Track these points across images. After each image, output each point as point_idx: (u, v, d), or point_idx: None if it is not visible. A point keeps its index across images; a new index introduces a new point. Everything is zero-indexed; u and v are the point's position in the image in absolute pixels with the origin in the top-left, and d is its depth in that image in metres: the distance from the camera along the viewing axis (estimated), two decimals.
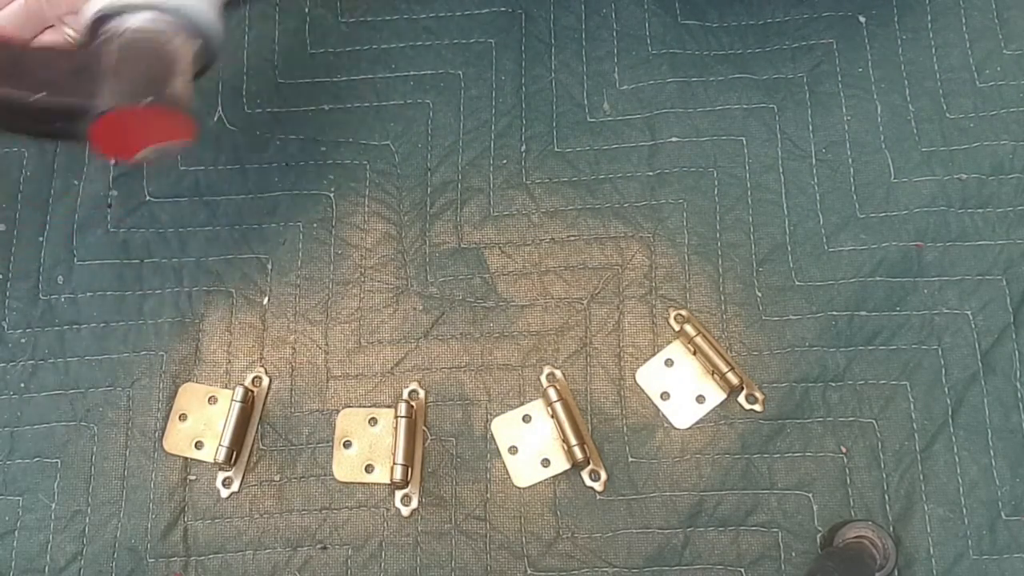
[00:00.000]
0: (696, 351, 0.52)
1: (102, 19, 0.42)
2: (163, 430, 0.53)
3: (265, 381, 0.53)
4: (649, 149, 0.56)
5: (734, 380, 0.50)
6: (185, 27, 0.43)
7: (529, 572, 0.50)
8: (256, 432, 0.52)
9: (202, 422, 0.53)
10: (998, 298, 0.52)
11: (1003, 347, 0.52)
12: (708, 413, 0.52)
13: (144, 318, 0.55)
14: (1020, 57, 0.57)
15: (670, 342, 0.53)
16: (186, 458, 0.52)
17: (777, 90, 0.57)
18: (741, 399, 0.52)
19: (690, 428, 0.51)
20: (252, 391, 0.53)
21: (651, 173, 0.56)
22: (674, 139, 0.57)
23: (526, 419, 0.52)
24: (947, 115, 0.56)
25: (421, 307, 0.54)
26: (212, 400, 0.53)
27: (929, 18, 0.58)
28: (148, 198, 0.57)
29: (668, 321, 0.53)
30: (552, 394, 0.51)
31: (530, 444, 0.52)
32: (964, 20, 0.58)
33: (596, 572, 0.50)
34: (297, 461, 0.52)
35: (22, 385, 0.54)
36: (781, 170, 0.56)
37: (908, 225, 0.54)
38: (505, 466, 0.51)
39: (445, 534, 0.51)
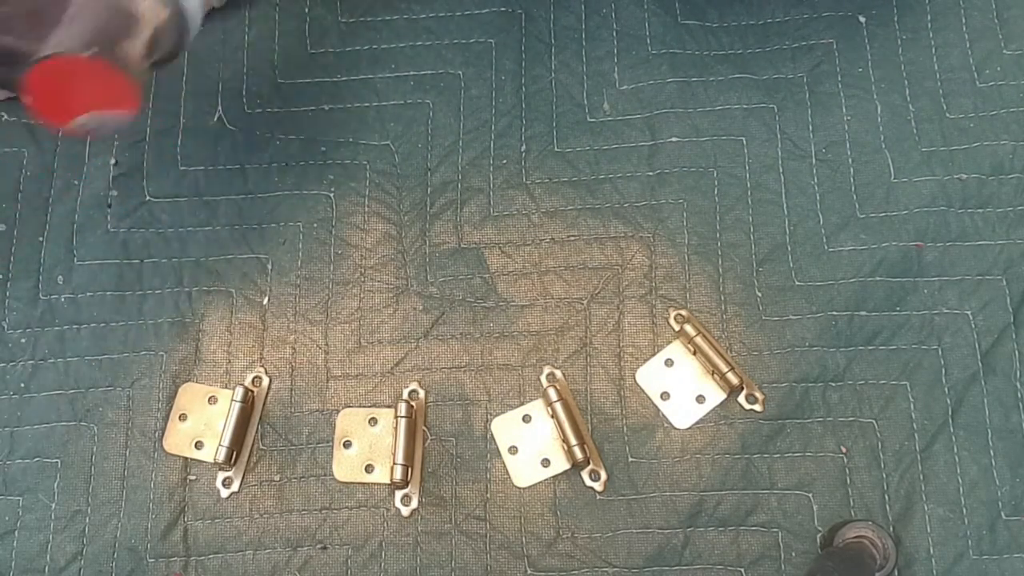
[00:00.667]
0: (696, 351, 0.52)
1: None
2: (163, 430, 0.53)
3: (265, 381, 0.53)
4: (649, 149, 0.56)
5: (734, 380, 0.50)
6: None
7: (529, 572, 0.50)
8: (256, 432, 0.52)
9: (202, 422, 0.53)
10: (998, 298, 0.52)
11: (1003, 347, 0.52)
12: (708, 413, 0.52)
13: (144, 318, 0.55)
14: (1020, 57, 0.57)
15: (670, 342, 0.53)
16: (186, 458, 0.52)
17: (777, 90, 0.57)
18: (741, 399, 0.52)
19: (690, 428, 0.51)
20: (252, 391, 0.53)
21: (651, 173, 0.56)
22: (674, 139, 0.57)
23: (526, 419, 0.52)
24: (947, 115, 0.56)
25: (421, 307, 0.54)
26: (212, 400, 0.53)
27: (929, 18, 0.58)
28: (148, 198, 0.57)
29: (668, 321, 0.53)
30: (552, 394, 0.51)
31: (530, 444, 0.52)
32: (964, 20, 0.58)
33: (596, 572, 0.50)
34: (297, 461, 0.52)
35: (22, 385, 0.54)
36: (781, 170, 0.56)
37: (908, 225, 0.54)
38: (505, 466, 0.52)
39: (445, 534, 0.51)
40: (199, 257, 0.56)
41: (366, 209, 0.56)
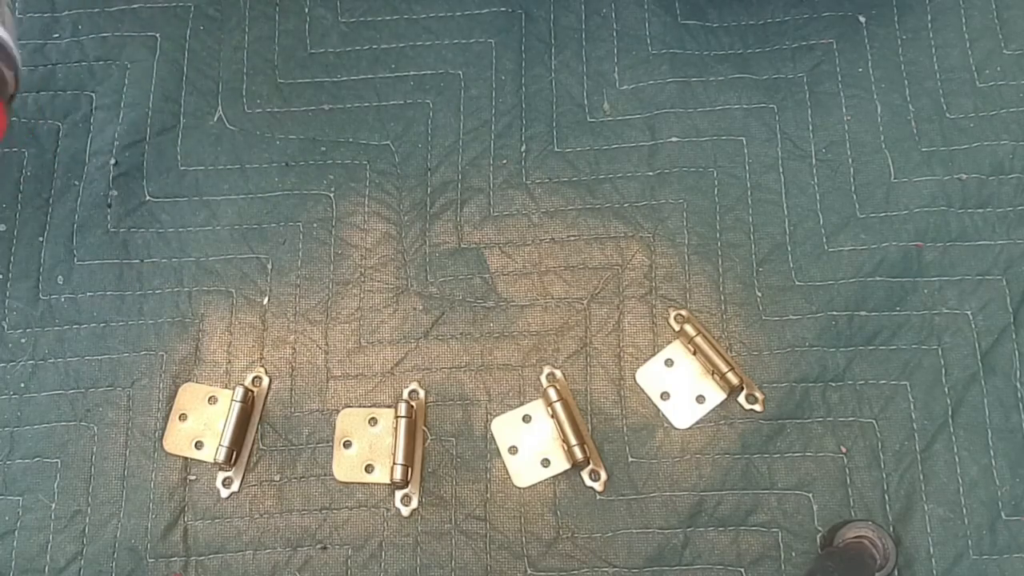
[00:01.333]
0: (696, 351, 0.52)
1: None
2: (163, 430, 0.53)
3: (265, 381, 0.53)
4: (649, 149, 0.56)
5: (734, 380, 0.50)
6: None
7: (529, 572, 0.50)
8: (256, 432, 0.52)
9: (202, 422, 0.53)
10: (998, 298, 0.52)
11: (1003, 347, 0.52)
12: (708, 413, 0.52)
13: (144, 318, 0.55)
14: (1020, 57, 0.57)
15: (670, 342, 0.53)
16: (186, 458, 0.52)
17: (777, 90, 0.57)
18: (741, 399, 0.52)
19: (690, 428, 0.51)
20: (252, 391, 0.53)
21: (651, 173, 0.56)
22: (674, 139, 0.57)
23: (526, 419, 0.52)
24: (947, 115, 0.56)
25: (421, 307, 0.54)
26: (212, 400, 0.53)
27: (929, 18, 0.58)
28: (148, 198, 0.57)
29: (668, 321, 0.53)
30: (552, 394, 0.51)
31: (530, 444, 0.52)
32: (964, 20, 0.58)
33: (596, 572, 0.50)
34: (297, 461, 0.52)
35: (22, 385, 0.54)
36: (781, 170, 0.56)
37: (908, 225, 0.54)
38: (505, 466, 0.52)
39: (445, 534, 0.51)
40: (199, 257, 0.56)
41: (366, 209, 0.56)
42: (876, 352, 0.52)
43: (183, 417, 0.53)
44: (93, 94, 0.59)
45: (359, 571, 0.50)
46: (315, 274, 0.55)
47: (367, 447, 0.52)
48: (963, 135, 0.55)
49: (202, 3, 0.61)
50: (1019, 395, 0.51)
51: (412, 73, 0.59)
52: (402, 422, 0.51)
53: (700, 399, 0.52)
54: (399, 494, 0.51)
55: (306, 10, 0.61)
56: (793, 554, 0.49)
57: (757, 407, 0.51)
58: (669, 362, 0.53)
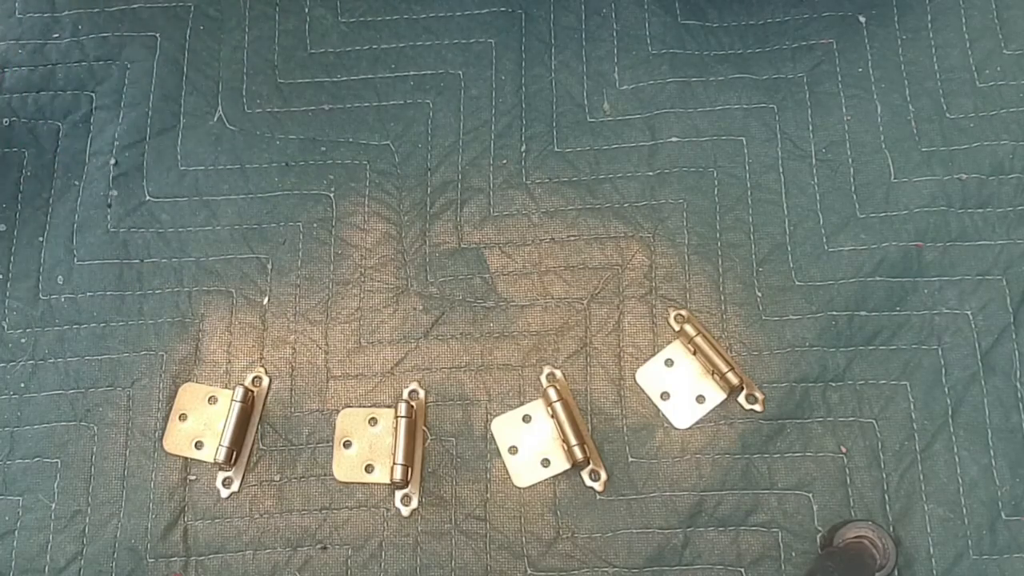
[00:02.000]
0: (696, 351, 0.52)
1: None
2: (163, 430, 0.53)
3: (265, 381, 0.53)
4: (649, 149, 0.56)
5: (734, 380, 0.50)
6: None
7: (529, 572, 0.50)
8: (256, 432, 0.52)
9: (202, 422, 0.53)
10: (998, 298, 0.52)
11: (1003, 347, 0.52)
12: (708, 413, 0.52)
13: (144, 318, 0.55)
14: (1020, 57, 0.57)
15: (670, 342, 0.53)
16: (186, 458, 0.52)
17: (777, 90, 0.57)
18: (741, 399, 0.52)
19: (690, 428, 0.51)
20: (252, 391, 0.52)
21: (651, 173, 0.56)
22: (674, 139, 0.57)
23: (526, 419, 0.52)
24: (947, 115, 0.56)
25: (421, 307, 0.54)
26: (212, 400, 0.53)
27: (929, 18, 0.58)
28: (148, 198, 0.57)
29: (668, 321, 0.53)
30: (552, 394, 0.51)
31: (530, 444, 0.52)
32: (964, 20, 0.58)
33: (596, 572, 0.50)
34: (297, 461, 0.52)
35: (22, 385, 0.54)
36: (781, 170, 0.56)
37: (908, 225, 0.54)
38: (505, 466, 0.51)
39: (445, 534, 0.51)
40: (199, 257, 0.56)
41: (366, 209, 0.56)
42: (876, 352, 0.52)
43: (183, 417, 0.53)
44: (93, 94, 0.59)
45: (359, 571, 0.50)
46: (315, 274, 0.55)
47: (367, 447, 0.52)
48: (963, 135, 0.55)
49: (202, 3, 0.61)
50: (1019, 395, 0.51)
51: (412, 73, 0.59)
52: (402, 422, 0.51)
53: (700, 399, 0.52)
54: (399, 494, 0.51)
55: (306, 10, 0.61)
56: (793, 554, 0.49)
57: (757, 407, 0.51)
58: (669, 362, 0.53)
